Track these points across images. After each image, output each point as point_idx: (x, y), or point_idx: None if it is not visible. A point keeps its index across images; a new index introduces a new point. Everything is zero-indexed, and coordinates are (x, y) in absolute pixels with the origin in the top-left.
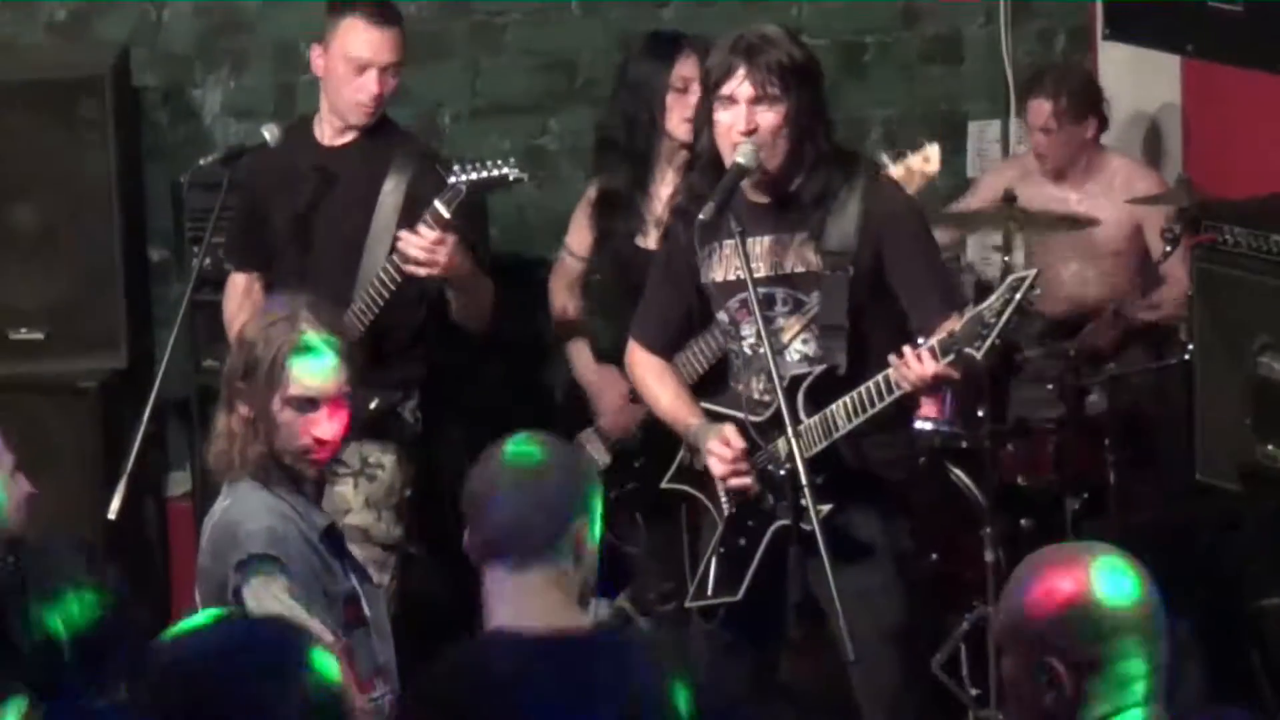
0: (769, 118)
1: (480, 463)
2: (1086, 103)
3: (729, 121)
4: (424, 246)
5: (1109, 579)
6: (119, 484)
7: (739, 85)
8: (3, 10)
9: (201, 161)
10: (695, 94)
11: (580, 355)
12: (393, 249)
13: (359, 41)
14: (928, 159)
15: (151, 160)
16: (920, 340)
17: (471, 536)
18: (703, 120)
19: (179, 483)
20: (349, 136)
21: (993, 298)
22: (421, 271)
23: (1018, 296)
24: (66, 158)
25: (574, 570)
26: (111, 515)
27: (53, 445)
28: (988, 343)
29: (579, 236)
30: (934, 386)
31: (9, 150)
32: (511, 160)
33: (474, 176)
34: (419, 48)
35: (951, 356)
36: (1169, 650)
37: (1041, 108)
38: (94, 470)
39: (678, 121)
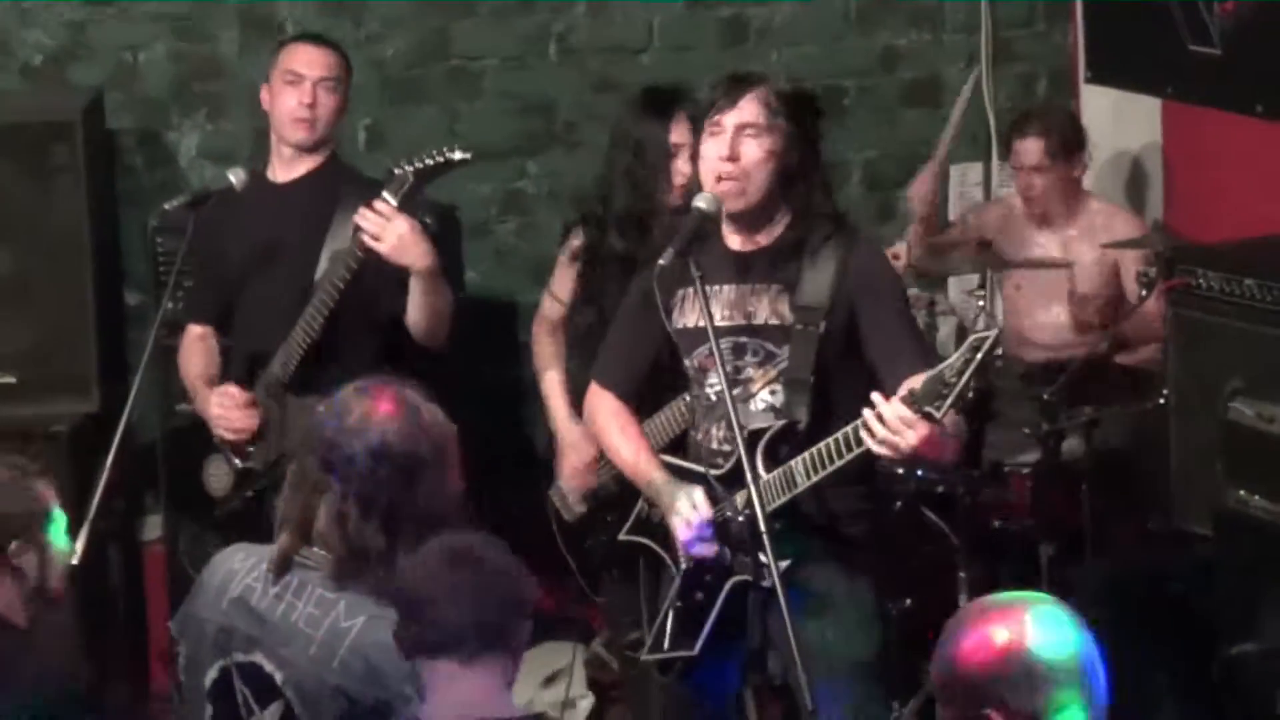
0: (752, 148)
1: (418, 556)
2: (1075, 142)
3: (712, 151)
4: (377, 219)
5: (1046, 629)
6: (82, 527)
7: (729, 113)
8: None
9: (166, 205)
10: (686, 158)
11: (556, 405)
12: (344, 246)
13: (293, 56)
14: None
15: (127, 204)
16: (893, 411)
17: (410, 630)
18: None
19: (152, 527)
20: (298, 172)
21: (954, 357)
22: (375, 245)
23: (978, 357)
24: (39, 202)
25: (513, 661)
26: (73, 560)
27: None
28: (948, 403)
29: (562, 283)
30: (900, 440)
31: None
32: (455, 145)
33: (418, 164)
34: (397, 92)
35: (925, 411)
36: (1107, 698)
37: (1033, 146)
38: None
39: (668, 186)
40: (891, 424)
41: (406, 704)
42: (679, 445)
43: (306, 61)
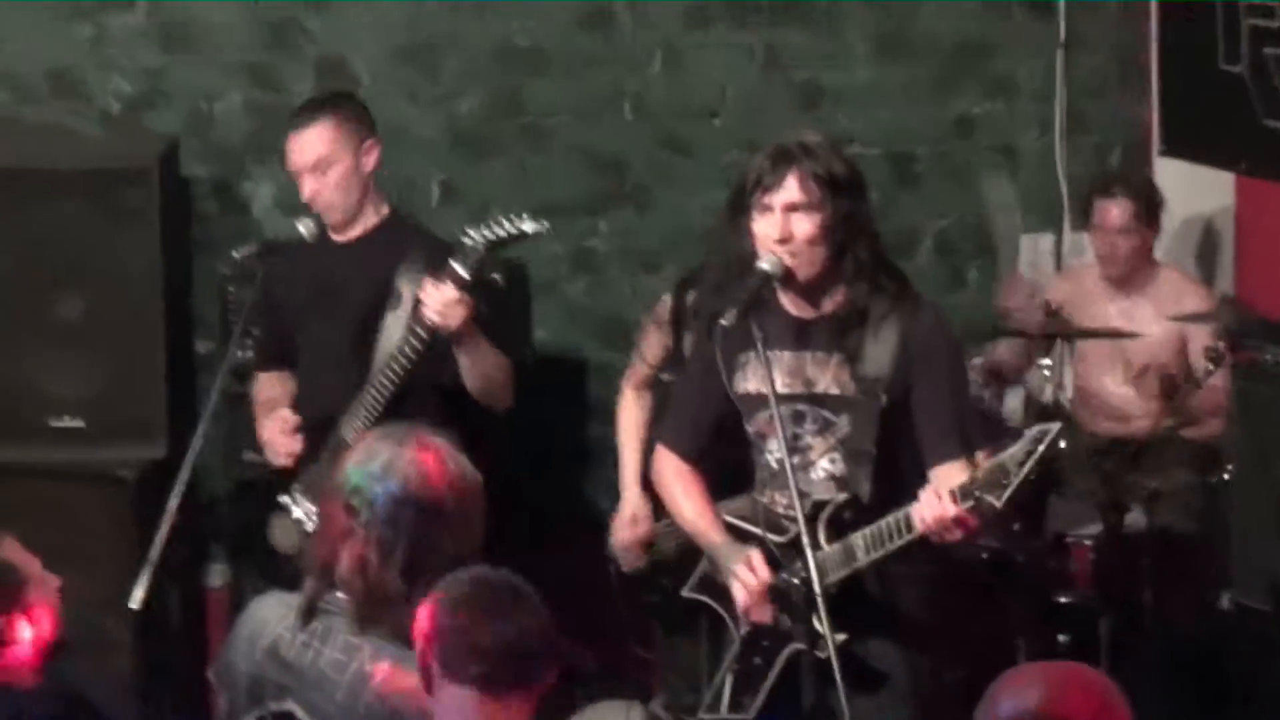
0: (804, 226)
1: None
2: (1157, 208)
3: (764, 231)
4: (442, 300)
5: (1076, 700)
6: (143, 574)
7: (776, 193)
8: (54, 98)
9: (235, 254)
10: None
11: (629, 463)
12: (411, 333)
13: (287, 149)
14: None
15: (200, 252)
16: (934, 506)
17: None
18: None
19: (219, 574)
20: (355, 232)
21: (1016, 447)
22: (438, 321)
23: (1041, 449)
24: (113, 246)
25: (531, 706)
26: (134, 605)
27: (89, 534)
28: (1007, 493)
29: (654, 346)
30: (950, 529)
31: (57, 238)
32: (526, 214)
33: (489, 235)
34: (469, 147)
35: (971, 503)
36: None
37: (1121, 207)
38: (129, 560)
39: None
40: (939, 518)
41: None
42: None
43: (294, 152)
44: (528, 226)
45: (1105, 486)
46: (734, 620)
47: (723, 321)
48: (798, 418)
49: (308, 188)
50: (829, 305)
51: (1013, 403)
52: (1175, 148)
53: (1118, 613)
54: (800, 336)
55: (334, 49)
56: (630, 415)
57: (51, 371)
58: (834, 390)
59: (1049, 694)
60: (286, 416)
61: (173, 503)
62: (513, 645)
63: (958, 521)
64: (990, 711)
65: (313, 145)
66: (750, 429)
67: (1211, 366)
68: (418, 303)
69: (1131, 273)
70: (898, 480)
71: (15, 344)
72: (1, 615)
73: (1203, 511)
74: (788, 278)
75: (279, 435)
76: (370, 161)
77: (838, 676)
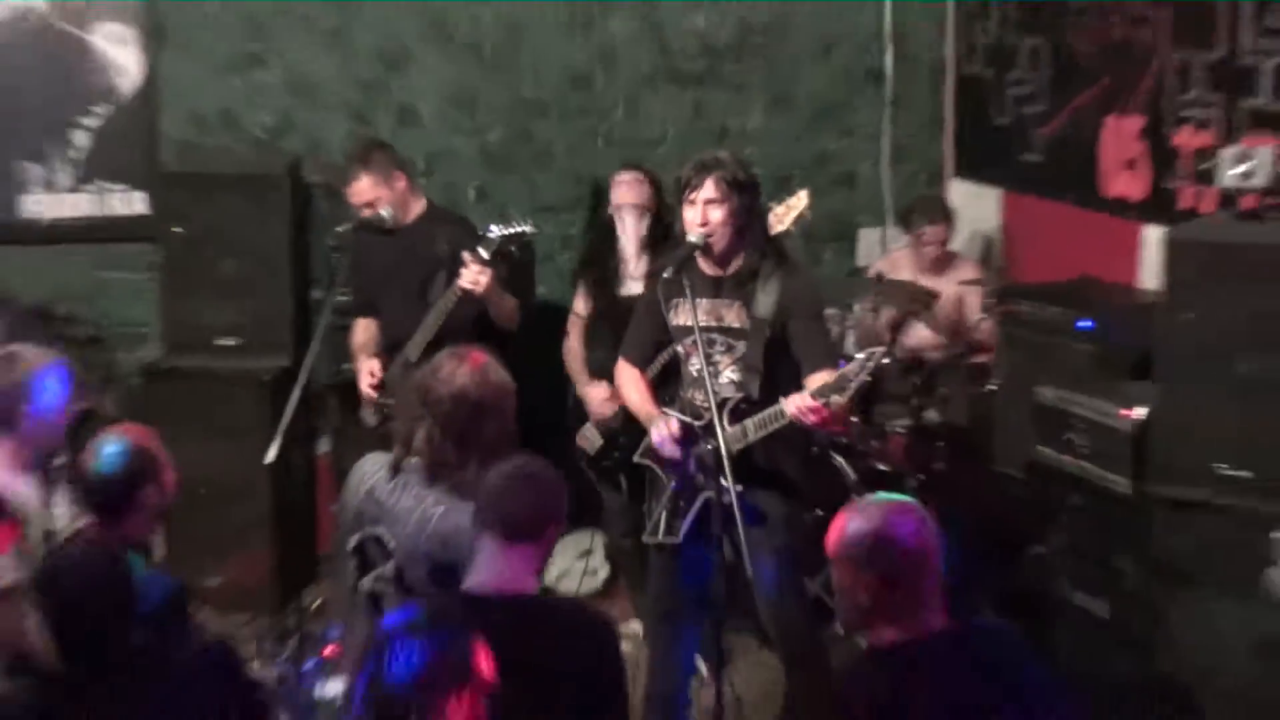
0: (717, 214)
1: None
2: (952, 218)
3: (690, 217)
4: (475, 272)
5: (902, 522)
6: (274, 441)
7: (698, 191)
8: (221, 129)
9: (339, 229)
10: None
11: (580, 375)
12: (448, 283)
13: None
14: (800, 199)
15: (315, 230)
16: (800, 400)
17: (481, 512)
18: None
19: (324, 445)
20: (409, 219)
21: (854, 364)
22: (471, 289)
23: (871, 364)
24: (258, 227)
25: (543, 553)
26: (268, 460)
27: (240, 415)
28: (847, 394)
29: (581, 303)
30: (809, 416)
31: (222, 220)
32: (528, 220)
33: (502, 231)
34: (496, 164)
35: (823, 400)
36: (949, 573)
37: (938, 229)
38: (266, 433)
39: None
40: (800, 410)
41: (466, 569)
42: (672, 399)
43: (352, 195)
44: (526, 227)
45: (913, 393)
46: (666, 475)
47: (664, 275)
48: (710, 343)
49: (368, 209)
50: (733, 267)
51: (850, 340)
52: (963, 173)
53: (919, 478)
54: (714, 288)
55: (406, 98)
56: (575, 351)
57: (218, 308)
58: (736, 325)
59: (883, 518)
60: (374, 369)
61: (294, 395)
62: (523, 508)
63: (814, 411)
64: (838, 533)
65: (362, 193)
66: (679, 349)
67: (986, 315)
68: (455, 272)
69: (935, 260)
70: (775, 385)
71: (195, 290)
72: (141, 486)
73: (977, 410)
74: (706, 248)
75: (366, 385)
76: (401, 184)
77: (738, 514)
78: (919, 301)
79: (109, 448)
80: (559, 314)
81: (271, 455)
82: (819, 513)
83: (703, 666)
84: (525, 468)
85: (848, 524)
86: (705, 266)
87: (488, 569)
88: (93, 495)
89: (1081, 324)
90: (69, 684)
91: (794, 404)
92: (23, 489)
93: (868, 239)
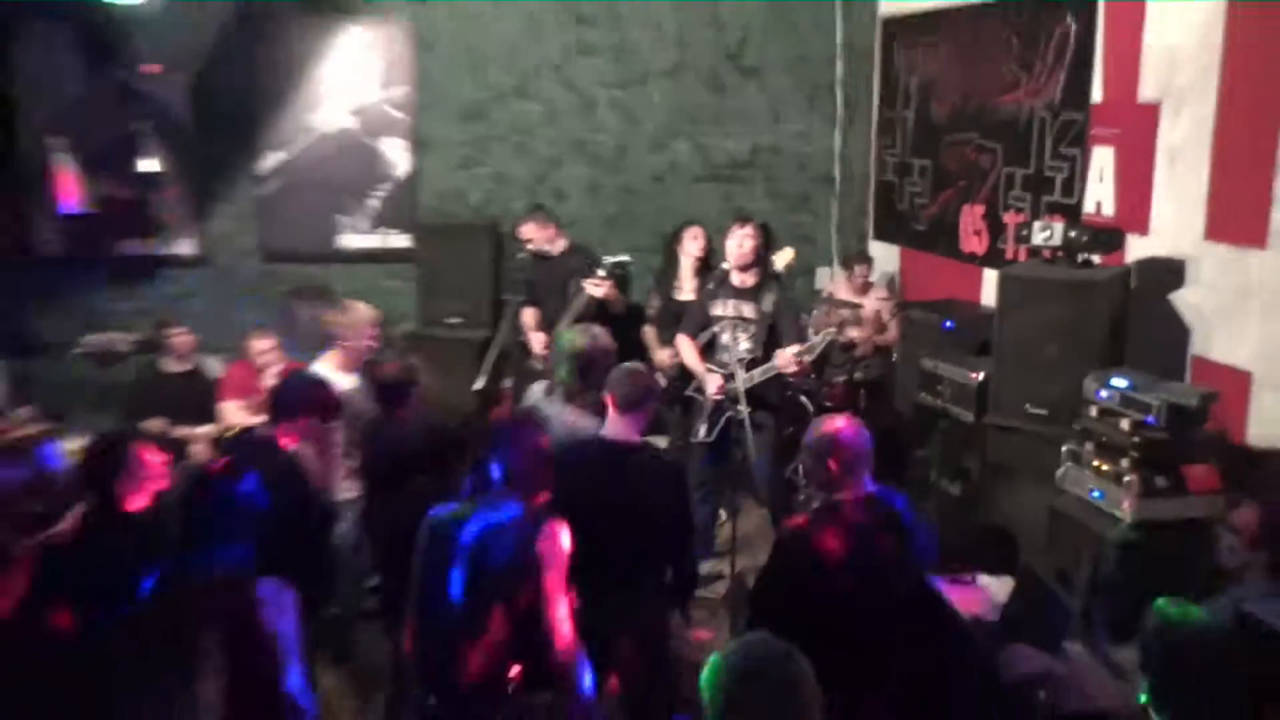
0: (749, 244)
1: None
2: (870, 262)
3: (732, 246)
4: (596, 283)
5: (845, 428)
6: (480, 377)
7: (739, 230)
8: (453, 200)
9: (518, 255)
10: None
11: (653, 344)
12: (579, 289)
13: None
14: (786, 252)
15: (504, 259)
16: (788, 350)
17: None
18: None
19: (508, 381)
20: (556, 252)
21: (816, 339)
22: (593, 293)
23: (824, 340)
24: (473, 256)
25: (643, 421)
26: (476, 388)
27: (461, 364)
28: (812, 357)
29: (654, 303)
30: (790, 367)
31: (452, 253)
32: (626, 255)
33: (611, 260)
34: (612, 224)
35: (800, 357)
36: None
37: (863, 269)
38: (475, 373)
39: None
40: (784, 362)
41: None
42: (711, 358)
43: (520, 233)
44: (625, 258)
45: (847, 361)
46: (703, 401)
47: (709, 286)
48: (734, 326)
49: (530, 244)
50: (750, 282)
51: (811, 330)
52: (879, 237)
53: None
54: (738, 293)
55: (560, 185)
56: (650, 330)
57: (449, 302)
58: (750, 316)
59: (833, 426)
60: (544, 340)
61: (491, 351)
62: (634, 391)
63: (796, 363)
64: (809, 435)
65: (527, 235)
66: (716, 329)
67: (892, 317)
68: (583, 287)
69: (861, 286)
70: (769, 351)
71: (436, 291)
72: (411, 391)
73: (885, 373)
74: (738, 268)
75: (539, 347)
76: (551, 231)
77: (747, 426)
78: (851, 310)
79: (389, 368)
80: (642, 308)
81: (478, 385)
82: (790, 430)
83: (722, 513)
84: (634, 369)
85: (813, 430)
86: (734, 280)
87: (611, 428)
88: (386, 390)
89: (947, 324)
90: None
91: (782, 358)
92: (346, 384)
93: (822, 274)
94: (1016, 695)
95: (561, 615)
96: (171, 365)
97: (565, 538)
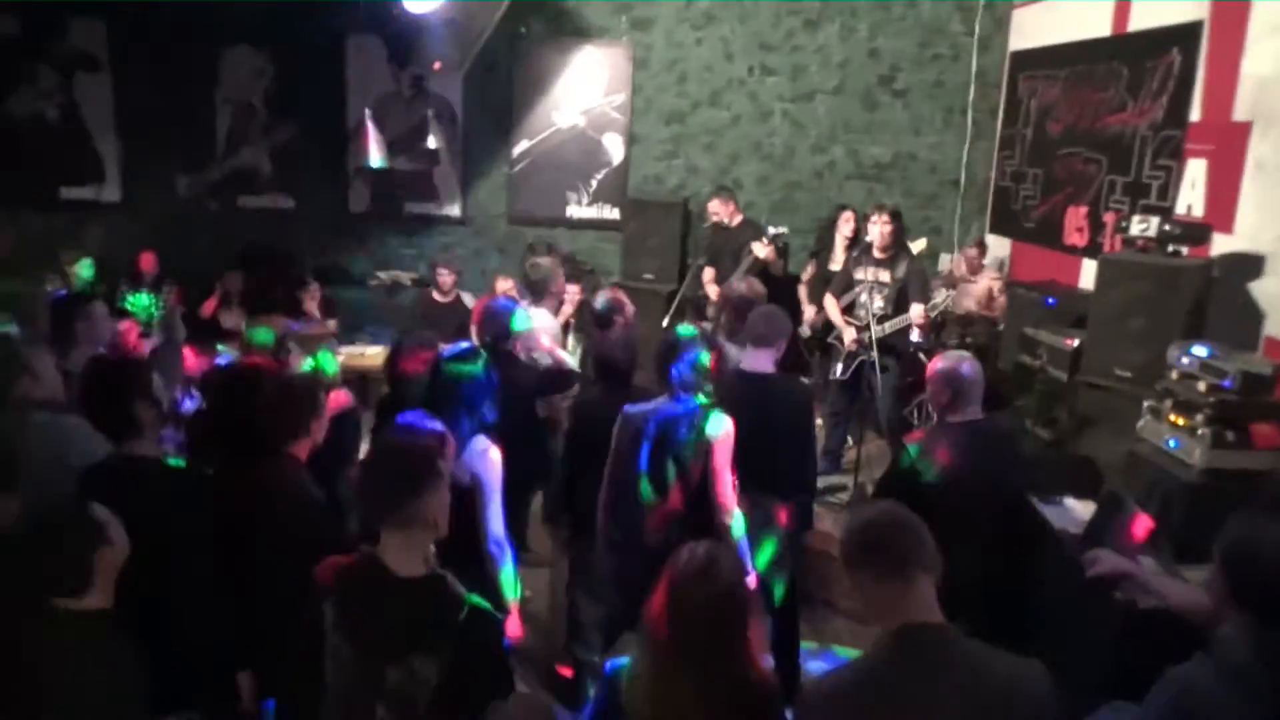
0: (887, 228)
1: (758, 308)
2: (985, 249)
3: (874, 231)
4: (763, 244)
5: (960, 362)
6: (666, 318)
7: (879, 216)
8: (654, 184)
9: (703, 226)
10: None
11: (805, 302)
12: (749, 253)
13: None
14: (921, 242)
15: (691, 230)
16: (918, 307)
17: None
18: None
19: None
20: (734, 223)
21: (939, 298)
22: (760, 258)
23: (946, 299)
24: (668, 229)
25: (778, 354)
26: (664, 326)
27: (652, 312)
28: (936, 312)
29: (809, 269)
30: (920, 321)
31: (651, 226)
32: (785, 228)
33: (774, 231)
34: (774, 205)
35: (930, 311)
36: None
37: (978, 254)
38: (662, 317)
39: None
40: (917, 315)
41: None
42: (849, 310)
43: (708, 207)
44: (784, 229)
45: (963, 330)
46: (843, 348)
47: (854, 254)
48: (872, 288)
49: (714, 217)
50: (888, 254)
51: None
52: (995, 231)
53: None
54: (878, 263)
55: (739, 175)
56: (804, 290)
57: (645, 260)
58: (886, 280)
59: (952, 360)
60: (719, 292)
61: (676, 300)
62: (764, 329)
63: (924, 317)
64: (931, 369)
65: (712, 211)
66: (858, 290)
67: (1000, 294)
68: (751, 249)
69: (976, 268)
70: (899, 309)
71: (638, 253)
72: (615, 321)
73: (989, 340)
74: (879, 247)
75: (714, 296)
76: (731, 207)
77: (876, 365)
78: (965, 284)
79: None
80: (797, 276)
81: (665, 324)
82: (910, 378)
83: (850, 439)
84: (766, 311)
85: (935, 364)
86: (875, 252)
87: (749, 360)
88: (599, 318)
89: (1049, 300)
90: None
91: (915, 310)
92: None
93: (944, 259)
94: (1097, 592)
95: (726, 486)
96: (439, 297)
97: (729, 426)
